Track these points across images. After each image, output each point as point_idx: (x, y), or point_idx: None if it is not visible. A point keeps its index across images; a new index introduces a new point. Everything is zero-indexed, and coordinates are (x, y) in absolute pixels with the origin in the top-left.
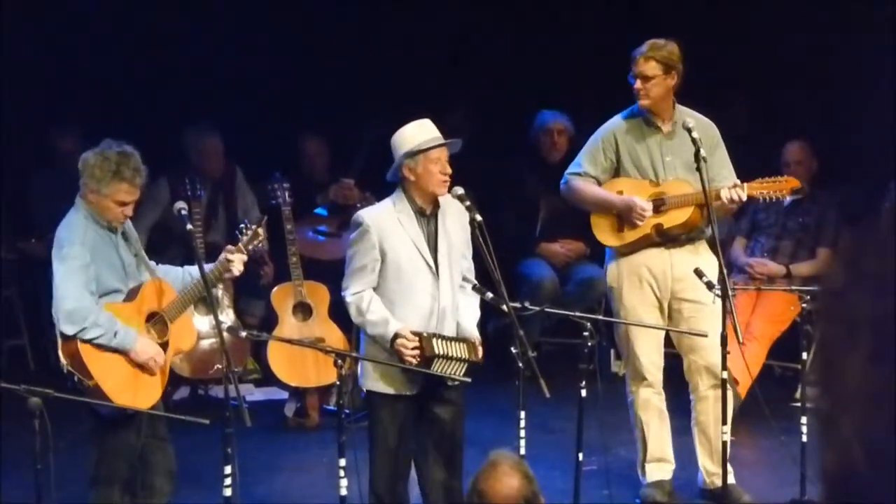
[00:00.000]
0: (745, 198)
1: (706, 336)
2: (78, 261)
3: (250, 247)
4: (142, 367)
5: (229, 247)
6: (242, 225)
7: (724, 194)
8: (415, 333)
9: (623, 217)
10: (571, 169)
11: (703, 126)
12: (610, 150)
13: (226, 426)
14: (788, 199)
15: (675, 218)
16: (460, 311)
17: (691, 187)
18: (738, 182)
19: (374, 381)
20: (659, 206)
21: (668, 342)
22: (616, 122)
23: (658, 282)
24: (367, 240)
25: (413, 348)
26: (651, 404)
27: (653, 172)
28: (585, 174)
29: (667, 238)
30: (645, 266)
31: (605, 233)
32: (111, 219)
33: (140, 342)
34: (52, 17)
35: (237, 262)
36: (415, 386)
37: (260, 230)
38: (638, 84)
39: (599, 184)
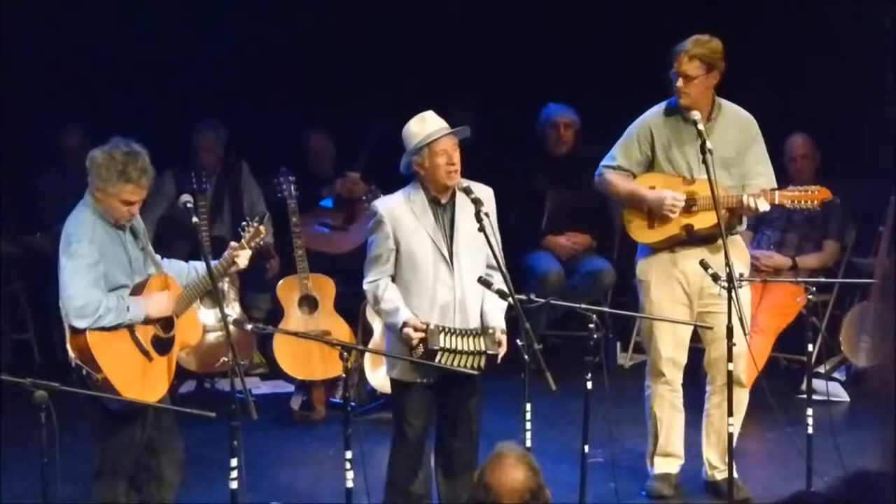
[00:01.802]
0: (762, 209)
1: (711, 329)
2: (86, 258)
3: (252, 243)
4: (158, 324)
5: (233, 243)
6: (244, 222)
7: (743, 200)
8: (424, 324)
9: (654, 212)
10: (605, 161)
11: (741, 121)
12: (645, 144)
13: (232, 419)
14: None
15: (705, 220)
16: (485, 301)
17: (724, 189)
18: (773, 183)
19: (393, 367)
20: (690, 205)
21: (696, 337)
22: (653, 115)
23: (688, 279)
24: (382, 229)
25: (419, 339)
26: (666, 400)
27: (687, 170)
28: (619, 167)
29: (697, 238)
30: (676, 264)
31: (636, 229)
32: (117, 218)
33: (149, 303)
34: (56, 13)
35: (242, 257)
36: (433, 373)
37: (262, 228)
38: (679, 83)
39: (634, 177)
